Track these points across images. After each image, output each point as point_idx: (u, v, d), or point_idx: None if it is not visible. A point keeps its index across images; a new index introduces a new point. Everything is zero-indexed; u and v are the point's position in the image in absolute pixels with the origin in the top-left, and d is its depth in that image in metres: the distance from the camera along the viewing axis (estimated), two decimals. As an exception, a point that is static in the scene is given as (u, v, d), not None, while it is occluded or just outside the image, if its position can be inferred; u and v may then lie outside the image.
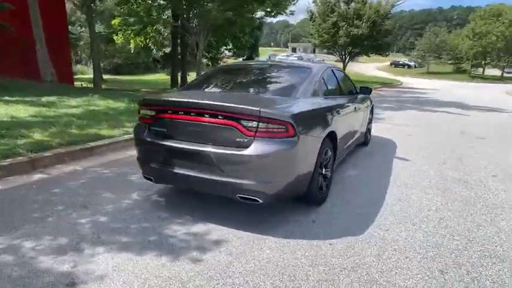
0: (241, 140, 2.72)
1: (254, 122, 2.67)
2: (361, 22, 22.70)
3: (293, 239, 2.80)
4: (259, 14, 14.36)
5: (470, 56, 43.77)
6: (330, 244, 2.74)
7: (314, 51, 62.98)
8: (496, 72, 46.97)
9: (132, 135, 4.97)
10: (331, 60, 36.54)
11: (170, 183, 3.51)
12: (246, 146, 2.70)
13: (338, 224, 3.10)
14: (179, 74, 15.90)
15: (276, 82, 3.77)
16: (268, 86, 3.72)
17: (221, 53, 20.02)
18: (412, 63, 60.57)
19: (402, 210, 3.48)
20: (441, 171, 4.84)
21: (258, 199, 2.75)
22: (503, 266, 2.56)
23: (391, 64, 59.87)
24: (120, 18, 13.79)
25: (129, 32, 15.24)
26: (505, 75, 45.24)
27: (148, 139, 3.10)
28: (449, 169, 4.97)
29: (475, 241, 2.91)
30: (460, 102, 15.30)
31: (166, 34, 17.74)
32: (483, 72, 48.27)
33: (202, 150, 2.80)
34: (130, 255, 2.51)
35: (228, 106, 2.75)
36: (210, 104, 2.85)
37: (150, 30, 15.69)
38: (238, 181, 2.73)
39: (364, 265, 2.49)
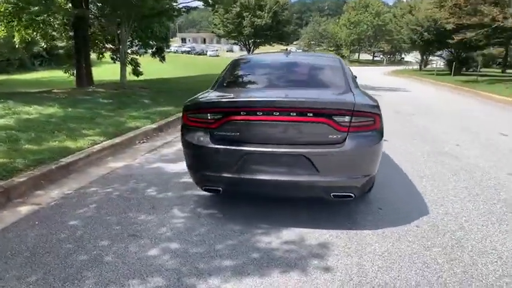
0: (335, 136, 2.61)
1: (347, 117, 2.59)
2: (263, 12, 23.48)
3: (384, 228, 2.85)
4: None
5: (348, 42, 49.79)
6: (417, 227, 2.89)
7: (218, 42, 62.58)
8: (368, 56, 54.58)
9: (104, 144, 4.26)
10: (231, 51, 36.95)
11: (246, 192, 3.16)
12: (340, 142, 2.61)
13: (400, 208, 3.26)
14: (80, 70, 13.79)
15: (318, 75, 3.65)
16: (315, 79, 3.57)
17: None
18: (298, 51, 65.82)
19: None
20: (417, 145, 5.54)
21: (351, 194, 2.71)
22: None
23: (280, 52, 63.94)
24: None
25: (15, 23, 12.58)
26: (375, 59, 52.96)
27: (215, 146, 2.72)
28: (424, 142, 5.70)
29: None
30: (363, 85, 17.29)
31: (58, 25, 15.21)
32: (358, 57, 55.51)
33: (295, 151, 2.60)
34: (255, 278, 2.21)
35: (320, 102, 2.61)
36: (299, 101, 2.65)
37: (41, 21, 13.23)
38: (334, 179, 2.63)
39: (459, 239, 2.71)
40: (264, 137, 2.68)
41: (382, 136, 2.74)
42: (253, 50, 27.24)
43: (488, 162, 4.70)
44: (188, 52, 60.89)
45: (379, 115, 2.70)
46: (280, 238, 2.70)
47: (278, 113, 2.60)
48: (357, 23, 47.71)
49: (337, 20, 54.54)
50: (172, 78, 16.56)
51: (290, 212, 3.10)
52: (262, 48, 39.23)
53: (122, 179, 3.96)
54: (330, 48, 55.87)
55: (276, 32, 25.12)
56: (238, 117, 2.67)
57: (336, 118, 2.58)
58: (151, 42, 14.64)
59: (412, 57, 43.48)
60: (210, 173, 2.78)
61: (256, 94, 3.17)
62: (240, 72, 3.72)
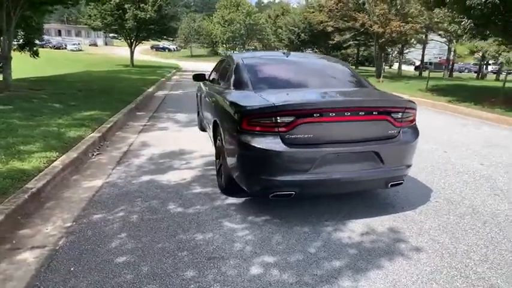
0: (393, 131, 2.88)
1: (400, 113, 2.89)
2: (147, 6, 22.06)
3: (415, 208, 3.29)
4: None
5: (224, 40, 51.20)
6: (436, 201, 3.43)
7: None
8: (242, 53, 57.60)
9: (64, 161, 3.99)
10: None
11: (319, 193, 3.14)
12: (395, 136, 2.90)
13: (413, 188, 3.78)
14: None
15: (341, 74, 3.80)
16: (343, 79, 3.71)
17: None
18: (172, 47, 63.86)
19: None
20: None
21: (401, 182, 3.04)
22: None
23: (152, 48, 60.78)
24: None
25: None
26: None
27: (291, 149, 2.63)
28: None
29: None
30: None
31: None
32: (233, 54, 57.85)
33: (366, 148, 2.75)
34: (376, 271, 2.30)
35: (383, 101, 2.82)
36: (367, 100, 2.80)
37: None
38: (394, 170, 2.90)
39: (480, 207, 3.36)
40: (336, 136, 2.75)
41: (417, 129, 3.14)
42: (136, 45, 25.36)
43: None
44: (42, 46, 52.04)
45: (416, 110, 3.09)
46: (354, 231, 2.83)
47: (349, 113, 2.71)
48: (231, 21, 49.54)
49: (211, 17, 55.41)
50: (53, 77, 14.04)
51: (332, 207, 3.23)
52: (147, 43, 36.75)
53: (121, 199, 3.37)
54: (205, 46, 56.45)
55: (161, 26, 23.99)
56: (312, 119, 2.65)
57: (393, 115, 2.85)
58: (20, 32, 12.02)
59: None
60: (282, 178, 2.67)
61: (314, 95, 3.17)
62: (267, 73, 3.59)
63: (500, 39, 8.29)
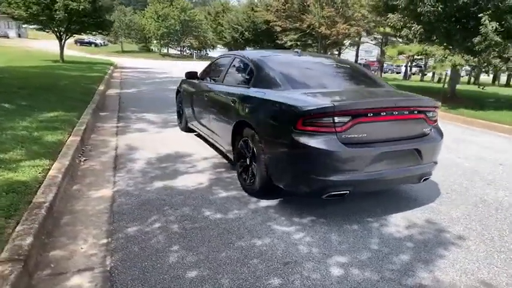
0: (427, 129, 3.08)
1: (431, 112, 3.10)
2: (79, -5, 20.08)
3: (434, 201, 3.57)
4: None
5: (158, 36, 48.92)
6: (447, 193, 3.76)
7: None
8: (176, 51, 55.68)
9: (61, 170, 4.10)
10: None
11: (368, 190, 3.24)
12: (429, 134, 3.11)
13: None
14: None
15: (362, 74, 3.90)
16: (366, 79, 3.79)
17: None
18: (98, 42, 59.25)
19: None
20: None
21: (430, 177, 3.27)
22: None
23: (76, 42, 55.75)
24: None
25: None
26: (184, 53, 54.67)
27: (348, 149, 2.66)
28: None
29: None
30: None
31: None
32: (167, 51, 55.58)
33: (411, 146, 2.90)
34: (446, 261, 2.46)
35: (423, 100, 2.98)
36: (412, 100, 2.94)
37: None
38: (428, 166, 3.11)
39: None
40: (386, 135, 2.85)
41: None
42: (66, 39, 23.03)
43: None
44: None
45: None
46: (397, 225, 2.97)
47: (397, 112, 2.83)
48: (165, 17, 47.57)
49: (143, 12, 52.53)
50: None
51: (365, 204, 3.33)
52: (78, 37, 33.40)
53: (146, 208, 3.08)
54: (136, 41, 53.38)
55: (96, 19, 22.10)
56: (366, 119, 2.72)
57: (428, 114, 3.05)
58: None
59: (219, 53, 47.56)
60: (339, 178, 2.69)
61: (359, 95, 3.25)
62: (296, 72, 3.52)
63: (445, 44, 9.30)
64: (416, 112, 2.97)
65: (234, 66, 4.20)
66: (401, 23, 9.54)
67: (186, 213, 3.03)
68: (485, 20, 7.77)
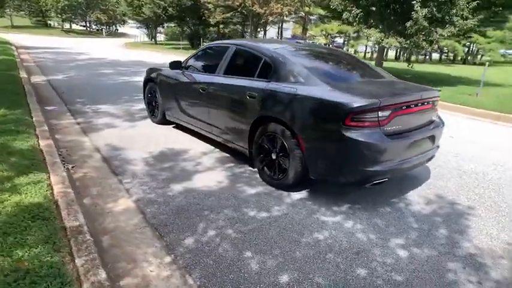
0: (434, 117, 3.48)
1: (436, 102, 3.49)
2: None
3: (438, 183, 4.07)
4: None
5: (58, 9, 42.92)
6: (458, 170, 4.31)
7: None
8: (82, 27, 49.88)
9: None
10: None
11: (399, 175, 3.45)
12: (436, 121, 3.51)
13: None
14: None
15: (363, 65, 4.03)
16: (369, 70, 3.94)
17: None
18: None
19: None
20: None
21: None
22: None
23: None
24: None
25: None
26: (91, 30, 49.29)
27: (391, 141, 2.87)
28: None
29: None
30: (140, 60, 16.74)
31: None
32: (70, 26, 49.43)
33: (432, 133, 3.26)
34: (474, 230, 2.89)
35: (435, 92, 3.32)
36: (431, 91, 3.23)
37: None
38: (436, 148, 3.53)
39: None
40: (413, 125, 3.14)
41: None
42: None
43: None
44: None
45: None
46: (418, 202, 3.35)
47: (421, 104, 3.14)
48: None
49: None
50: None
51: (383, 188, 3.61)
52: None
53: (187, 216, 2.93)
54: (31, 15, 46.09)
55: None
56: (401, 112, 2.96)
57: (435, 104, 3.43)
58: None
59: (133, 29, 44.10)
60: (382, 167, 2.90)
61: (390, 89, 3.45)
62: (313, 66, 3.50)
63: (380, 27, 10.16)
64: (431, 102, 3.33)
65: (236, 57, 4.05)
66: (342, 6, 10.11)
67: (230, 215, 2.96)
68: (417, 7, 8.70)
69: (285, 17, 25.21)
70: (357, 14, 9.83)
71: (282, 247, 2.55)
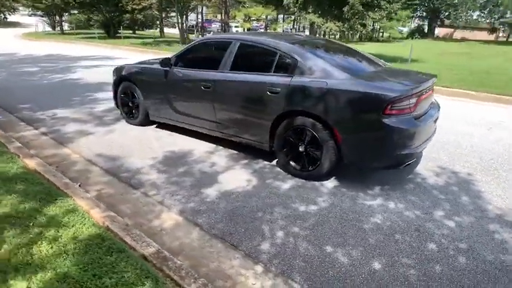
0: (434, 100, 3.90)
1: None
2: None
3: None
4: None
5: None
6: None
7: None
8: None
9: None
10: None
11: (419, 155, 3.84)
12: (434, 104, 3.92)
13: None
14: None
15: (365, 56, 4.22)
16: (370, 60, 4.11)
17: None
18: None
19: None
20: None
21: None
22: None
23: None
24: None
25: None
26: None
27: (420, 124, 3.18)
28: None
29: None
30: (59, 54, 14.82)
31: None
32: None
33: (436, 114, 3.67)
34: (488, 196, 3.38)
35: (435, 78, 3.69)
36: (434, 78, 3.61)
37: None
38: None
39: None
40: (425, 109, 3.49)
41: None
42: None
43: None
44: None
45: None
46: (430, 176, 3.75)
47: (429, 89, 3.51)
48: None
49: None
50: None
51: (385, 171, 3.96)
52: None
53: (241, 219, 2.87)
54: None
55: None
56: (421, 98, 3.27)
57: (433, 88, 3.84)
58: None
59: (25, 17, 38.56)
60: (413, 150, 3.17)
61: (409, 76, 3.79)
62: (333, 59, 3.61)
63: (319, 12, 10.62)
64: (432, 88, 3.71)
65: (243, 53, 3.92)
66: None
67: (284, 213, 2.97)
68: (354, -9, 9.34)
69: (207, 1, 24.64)
70: (297, 0, 10.14)
71: (353, 236, 2.67)
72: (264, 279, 2.23)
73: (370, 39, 35.31)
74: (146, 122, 5.07)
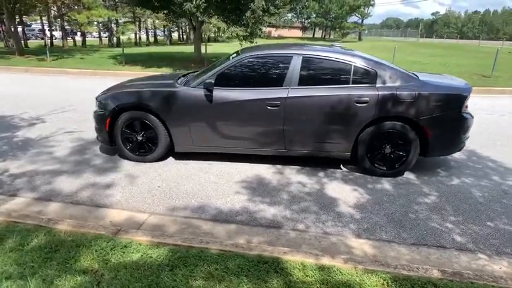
0: None
1: None
2: None
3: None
4: None
5: None
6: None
7: None
8: None
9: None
10: None
11: None
12: None
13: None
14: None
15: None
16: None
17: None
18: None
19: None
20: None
21: None
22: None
23: None
24: None
25: None
26: None
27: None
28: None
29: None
30: None
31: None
32: None
33: None
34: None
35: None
36: None
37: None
38: None
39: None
40: None
41: None
42: None
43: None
44: None
45: None
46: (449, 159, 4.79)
47: None
48: None
49: None
50: None
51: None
52: None
53: (403, 217, 3.10)
54: None
55: None
56: None
57: None
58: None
59: None
60: (468, 135, 4.02)
61: (441, 75, 4.60)
62: (392, 66, 4.05)
63: (222, 17, 10.56)
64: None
65: (310, 67, 3.87)
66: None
67: (419, 209, 3.32)
68: (258, -1, 9.91)
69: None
70: (200, 4, 9.85)
71: (474, 218, 3.22)
72: (495, 263, 2.58)
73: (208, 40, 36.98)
74: (162, 156, 4.31)
